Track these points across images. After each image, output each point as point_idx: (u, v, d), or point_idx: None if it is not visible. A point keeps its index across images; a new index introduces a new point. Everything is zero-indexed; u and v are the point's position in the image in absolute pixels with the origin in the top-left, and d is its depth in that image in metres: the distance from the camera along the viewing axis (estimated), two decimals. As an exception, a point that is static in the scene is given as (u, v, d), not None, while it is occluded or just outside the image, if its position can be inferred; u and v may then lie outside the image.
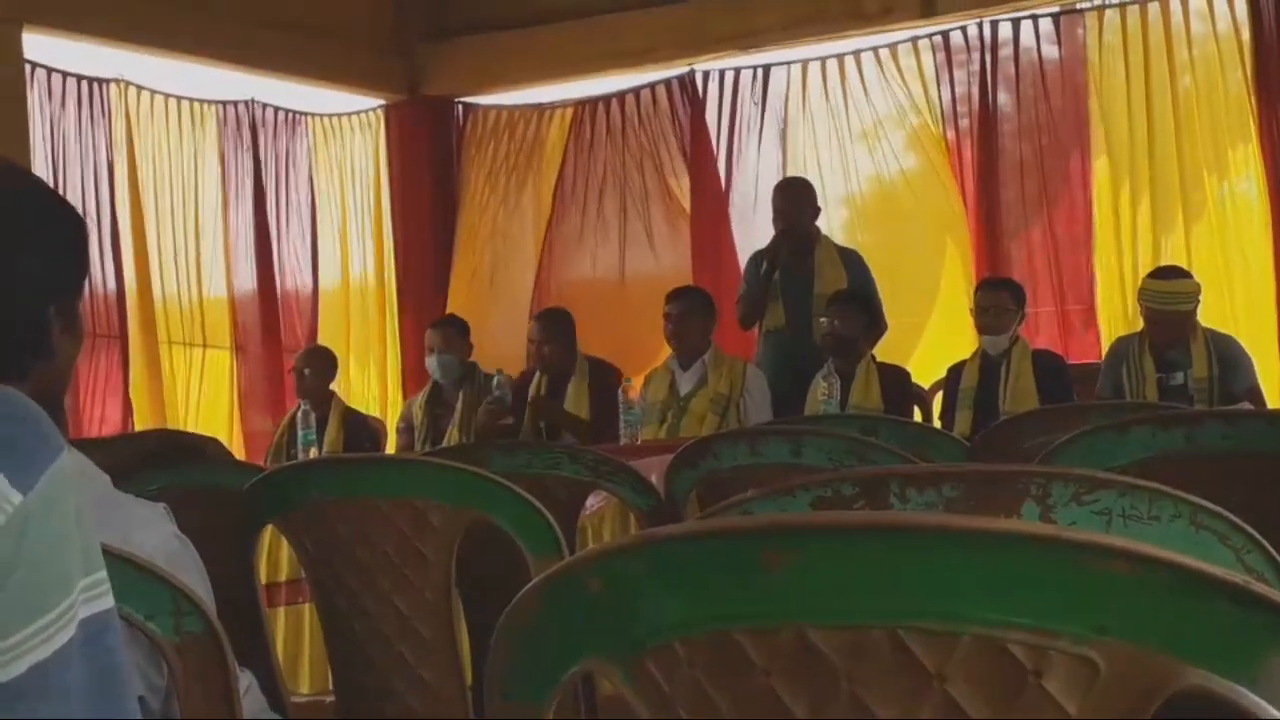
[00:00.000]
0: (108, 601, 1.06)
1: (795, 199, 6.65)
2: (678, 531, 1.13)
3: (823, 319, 6.11)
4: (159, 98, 8.07)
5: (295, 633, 4.37)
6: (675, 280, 7.90)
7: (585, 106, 8.89)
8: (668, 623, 1.06)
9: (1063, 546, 0.95)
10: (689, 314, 6.19)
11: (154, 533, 1.68)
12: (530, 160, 9.04)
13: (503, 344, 8.69)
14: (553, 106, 9.02)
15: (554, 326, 6.54)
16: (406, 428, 6.79)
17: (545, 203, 8.99)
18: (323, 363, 6.96)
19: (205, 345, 8.17)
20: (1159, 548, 0.93)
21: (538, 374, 6.55)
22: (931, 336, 7.87)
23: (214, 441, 3.07)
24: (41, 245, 1.49)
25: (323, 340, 8.57)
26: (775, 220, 6.64)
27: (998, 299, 6.00)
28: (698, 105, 8.52)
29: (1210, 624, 0.92)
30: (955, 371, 6.16)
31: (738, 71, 8.45)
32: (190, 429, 7.89)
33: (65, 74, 7.52)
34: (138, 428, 7.60)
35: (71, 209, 1.60)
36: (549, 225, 8.92)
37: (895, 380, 6.20)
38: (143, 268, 7.86)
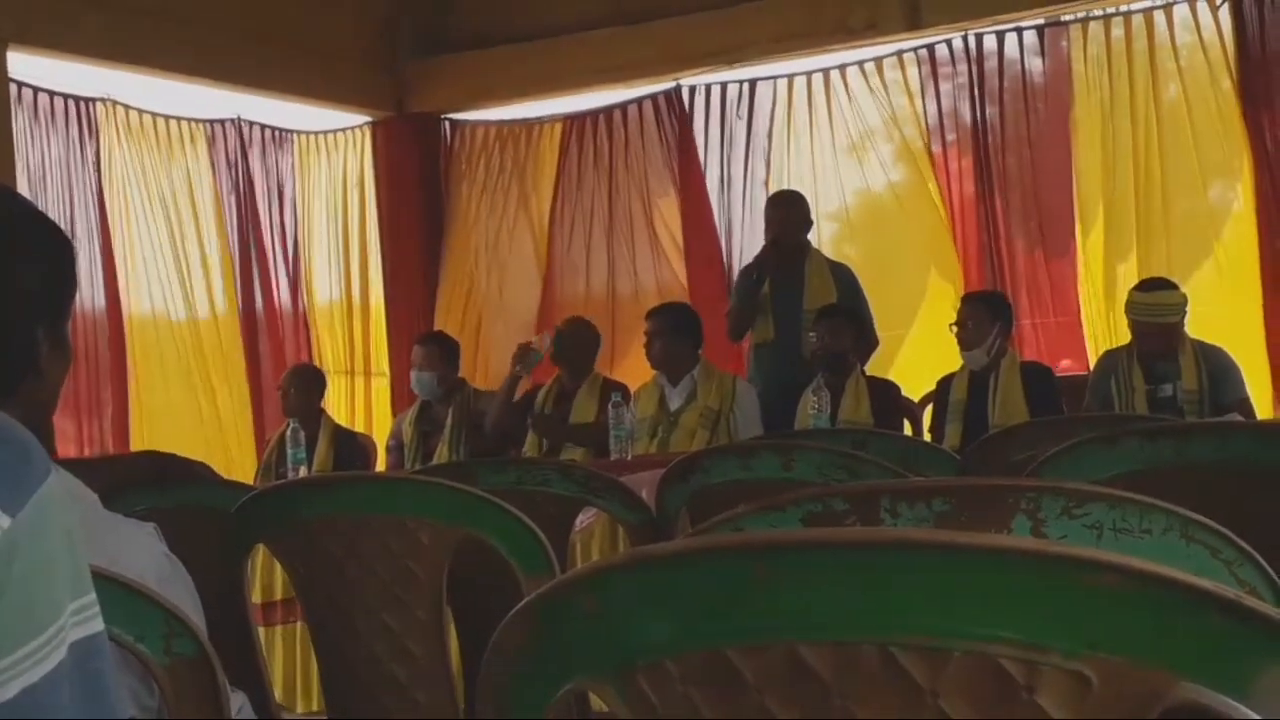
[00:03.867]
0: (98, 624, 1.06)
1: (786, 211, 6.66)
2: (669, 550, 1.13)
3: (812, 334, 6.12)
4: (145, 116, 8.07)
5: (292, 652, 4.35)
6: (669, 295, 7.94)
7: (573, 122, 8.90)
8: (659, 641, 1.06)
9: (1054, 561, 0.95)
10: (661, 332, 6.19)
11: (144, 553, 1.68)
12: (518, 176, 9.05)
13: (501, 362, 8.72)
14: (540, 122, 9.03)
15: (580, 330, 6.57)
16: (396, 445, 6.79)
17: (535, 218, 9.00)
18: (308, 381, 6.95)
19: (192, 364, 8.15)
20: (1150, 561, 0.93)
21: (548, 385, 6.56)
22: (920, 349, 7.88)
23: (203, 465, 3.07)
24: (31, 267, 1.49)
25: (312, 358, 8.57)
26: (766, 232, 6.66)
27: (972, 313, 6.00)
28: (684, 120, 8.54)
29: (1202, 638, 0.92)
30: (945, 384, 6.16)
31: (724, 86, 8.47)
32: (179, 449, 7.86)
33: (51, 93, 7.51)
34: (126, 448, 7.58)
35: (59, 230, 1.60)
36: (549, 241, 8.92)
37: (885, 393, 6.20)
38: (131, 287, 7.84)
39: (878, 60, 8.07)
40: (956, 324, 6.05)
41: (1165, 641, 0.92)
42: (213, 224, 8.39)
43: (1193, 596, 0.91)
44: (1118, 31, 7.52)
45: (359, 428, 8.34)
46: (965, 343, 5.97)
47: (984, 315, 5.96)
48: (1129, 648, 0.93)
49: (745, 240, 8.26)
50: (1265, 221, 7.15)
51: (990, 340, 5.92)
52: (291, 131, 8.95)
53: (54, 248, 1.55)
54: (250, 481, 7.38)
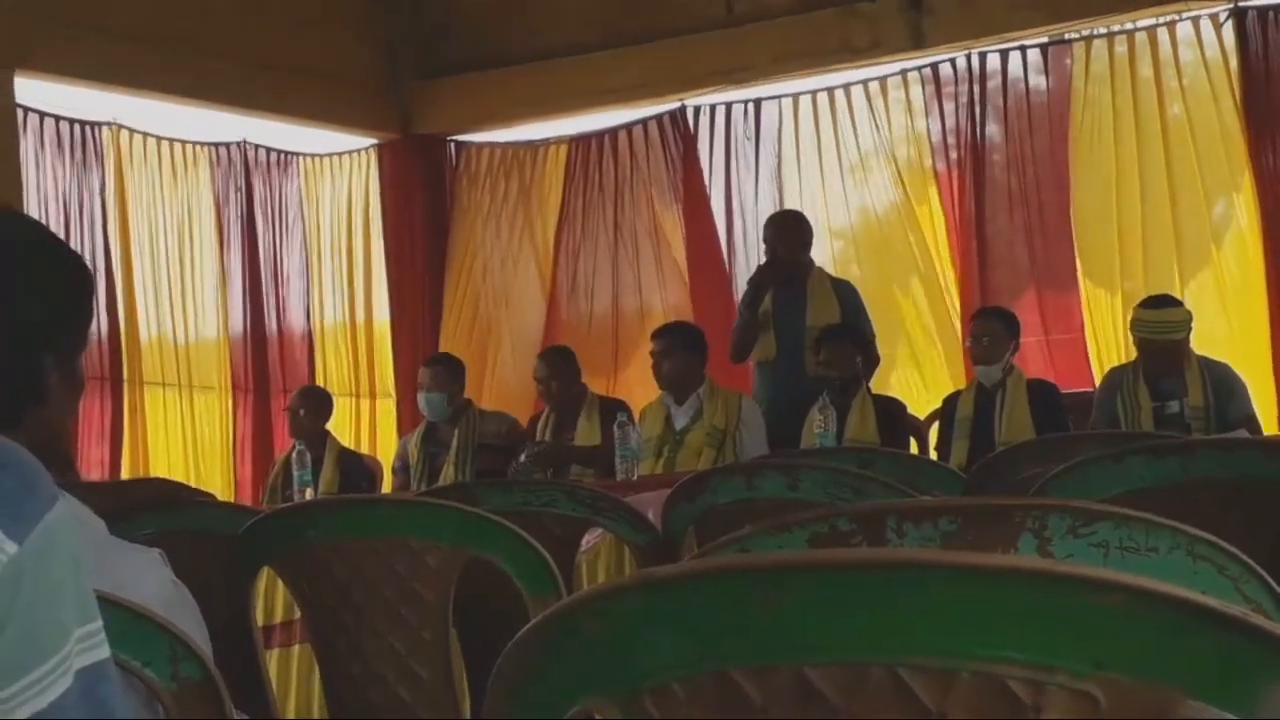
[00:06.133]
0: (104, 651, 1.06)
1: (785, 231, 6.66)
2: (675, 572, 1.13)
3: (820, 362, 6.11)
4: (151, 140, 8.09)
5: (286, 676, 4.34)
6: (675, 315, 7.94)
7: (578, 143, 8.91)
8: (666, 663, 1.06)
9: (1060, 582, 0.95)
10: (669, 351, 6.19)
11: (150, 579, 1.68)
12: (524, 197, 9.07)
13: (507, 383, 8.72)
14: (545, 143, 9.05)
15: (557, 363, 6.59)
16: (402, 466, 6.79)
17: (540, 239, 9.01)
18: (317, 403, 6.96)
19: (198, 387, 8.16)
20: (1157, 580, 0.93)
21: (547, 411, 6.58)
22: (924, 367, 7.88)
23: (205, 494, 3.07)
24: (41, 293, 1.48)
25: (317, 380, 8.58)
26: (766, 253, 6.67)
27: (990, 328, 6.02)
28: (689, 140, 8.55)
29: (1209, 656, 0.92)
30: (950, 402, 6.16)
31: (729, 106, 8.48)
32: (182, 471, 7.89)
33: (58, 118, 7.54)
34: (128, 470, 7.59)
35: (77, 258, 1.59)
36: (554, 262, 8.93)
37: (891, 412, 6.20)
38: (135, 310, 7.86)
39: (882, 79, 8.08)
40: (972, 339, 6.06)
41: (1173, 660, 0.92)
42: (220, 247, 8.41)
43: (1200, 615, 0.91)
44: (1121, 49, 7.52)
45: (364, 449, 8.33)
46: (983, 358, 5.98)
47: (1001, 331, 5.99)
48: (1136, 667, 0.92)
49: (751, 259, 8.25)
50: (1269, 238, 7.14)
51: (1007, 356, 5.95)
52: (297, 154, 8.97)
53: (68, 275, 1.54)
54: (252, 503, 7.40)
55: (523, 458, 6.26)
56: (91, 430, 7.54)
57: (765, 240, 6.71)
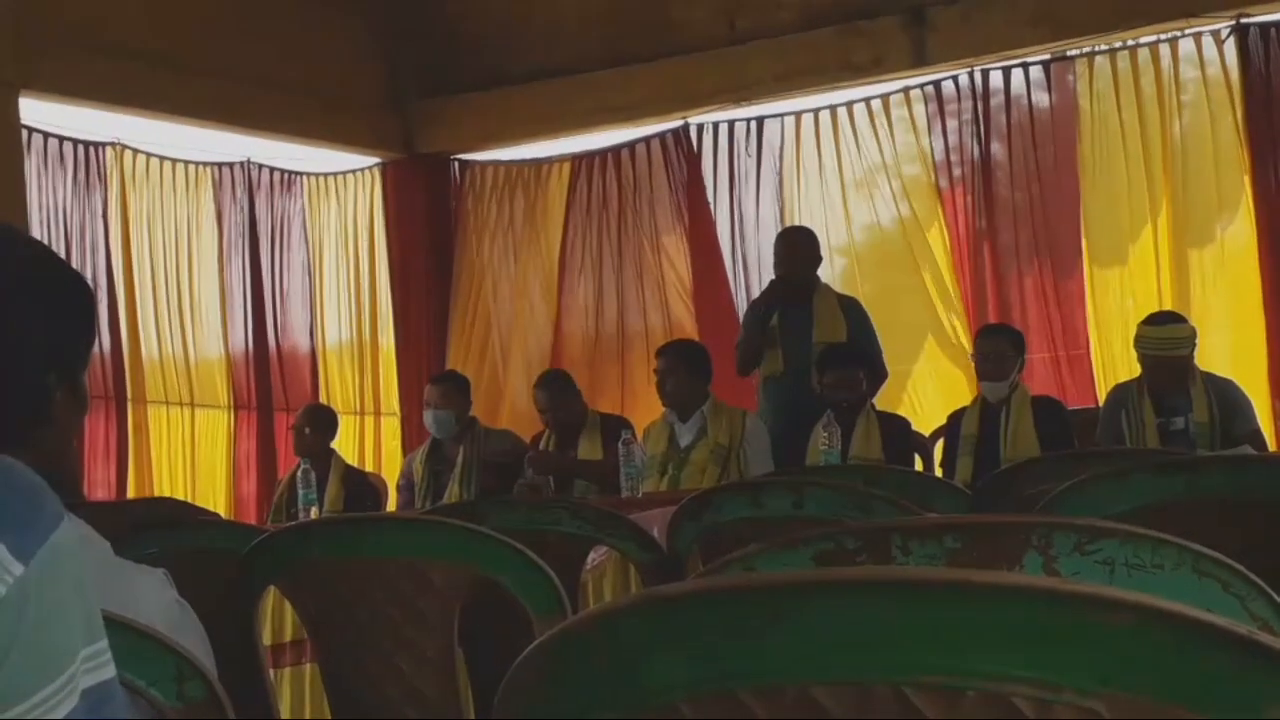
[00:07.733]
0: (110, 671, 1.06)
1: (795, 247, 6.67)
2: (680, 591, 1.12)
3: (825, 385, 6.09)
4: (155, 160, 8.11)
5: (299, 693, 4.34)
6: (679, 332, 7.95)
7: (581, 161, 8.93)
8: (671, 683, 1.06)
9: (1066, 599, 0.95)
10: (672, 369, 6.19)
11: (154, 598, 1.68)
12: (528, 215, 9.09)
13: (513, 400, 8.72)
14: (549, 162, 9.07)
15: (557, 389, 6.59)
16: (407, 484, 6.78)
17: (545, 257, 9.03)
18: (322, 421, 6.96)
19: (201, 405, 8.17)
20: (1162, 597, 0.92)
21: (548, 432, 6.59)
22: (929, 384, 7.88)
23: (210, 513, 3.07)
24: (42, 312, 1.47)
25: (321, 398, 8.58)
26: (775, 268, 6.67)
27: (997, 345, 6.01)
28: (692, 158, 8.57)
29: (1215, 674, 0.91)
30: (955, 419, 6.15)
31: (731, 124, 8.50)
32: (185, 490, 7.89)
33: (62, 138, 7.56)
34: (132, 489, 7.60)
35: (78, 276, 1.59)
36: (559, 280, 8.94)
37: (896, 429, 6.20)
38: (137, 329, 7.87)
39: (884, 97, 8.09)
40: (979, 356, 6.05)
41: (1178, 678, 0.92)
42: (223, 266, 8.42)
43: (1205, 633, 0.91)
44: (1124, 65, 7.53)
45: (368, 467, 8.34)
46: (989, 375, 5.97)
47: (1007, 348, 5.99)
48: (1142, 685, 0.92)
49: (754, 277, 8.28)
50: (1268, 254, 7.14)
51: (1013, 374, 5.94)
52: (301, 174, 8.99)
53: (70, 294, 1.54)
54: (256, 522, 7.40)
55: (528, 470, 6.27)
56: (95, 449, 7.55)
57: (776, 254, 6.71)
